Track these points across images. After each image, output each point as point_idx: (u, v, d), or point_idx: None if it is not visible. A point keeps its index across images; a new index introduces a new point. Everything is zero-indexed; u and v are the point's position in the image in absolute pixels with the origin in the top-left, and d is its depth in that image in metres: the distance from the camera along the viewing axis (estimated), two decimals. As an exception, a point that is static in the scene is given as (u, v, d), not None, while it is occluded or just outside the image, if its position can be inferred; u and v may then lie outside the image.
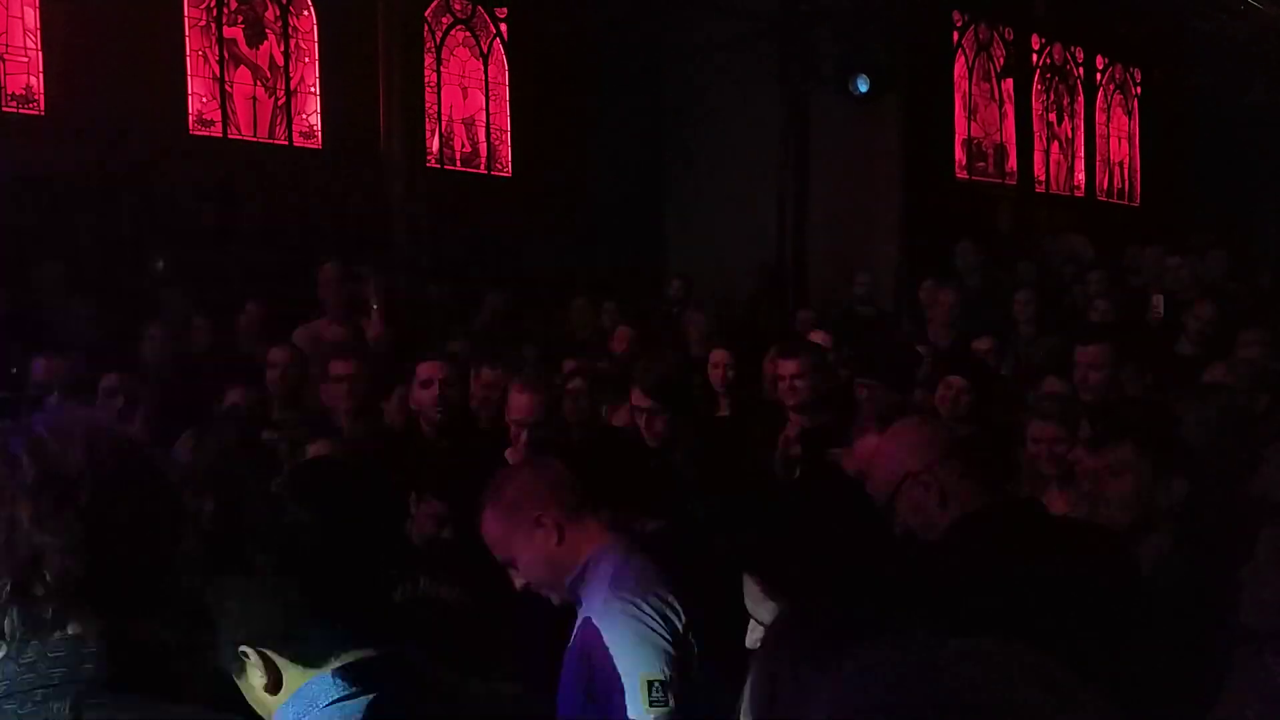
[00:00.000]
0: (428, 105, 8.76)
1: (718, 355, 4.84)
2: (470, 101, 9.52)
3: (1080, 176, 12.62)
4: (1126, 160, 13.27)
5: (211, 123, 7.99)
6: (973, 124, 11.17)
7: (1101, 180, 12.91)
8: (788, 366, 4.11)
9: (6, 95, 7.04)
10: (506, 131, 9.68)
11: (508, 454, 3.63)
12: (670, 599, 2.15)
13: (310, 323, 5.85)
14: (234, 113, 8.10)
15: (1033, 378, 4.75)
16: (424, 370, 3.91)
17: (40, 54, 7.13)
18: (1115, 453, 2.86)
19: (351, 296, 6.05)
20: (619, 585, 2.14)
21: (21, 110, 7.08)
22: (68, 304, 5.96)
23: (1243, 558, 2.30)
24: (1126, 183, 13.30)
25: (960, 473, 2.22)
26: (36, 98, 7.15)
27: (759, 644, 1.88)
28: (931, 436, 2.31)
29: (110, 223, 6.92)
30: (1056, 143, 12.26)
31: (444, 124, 9.26)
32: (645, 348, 5.94)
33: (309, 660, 1.33)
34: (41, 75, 7.14)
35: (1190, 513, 2.73)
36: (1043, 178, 11.98)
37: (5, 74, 7.02)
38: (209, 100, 7.98)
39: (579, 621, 2.18)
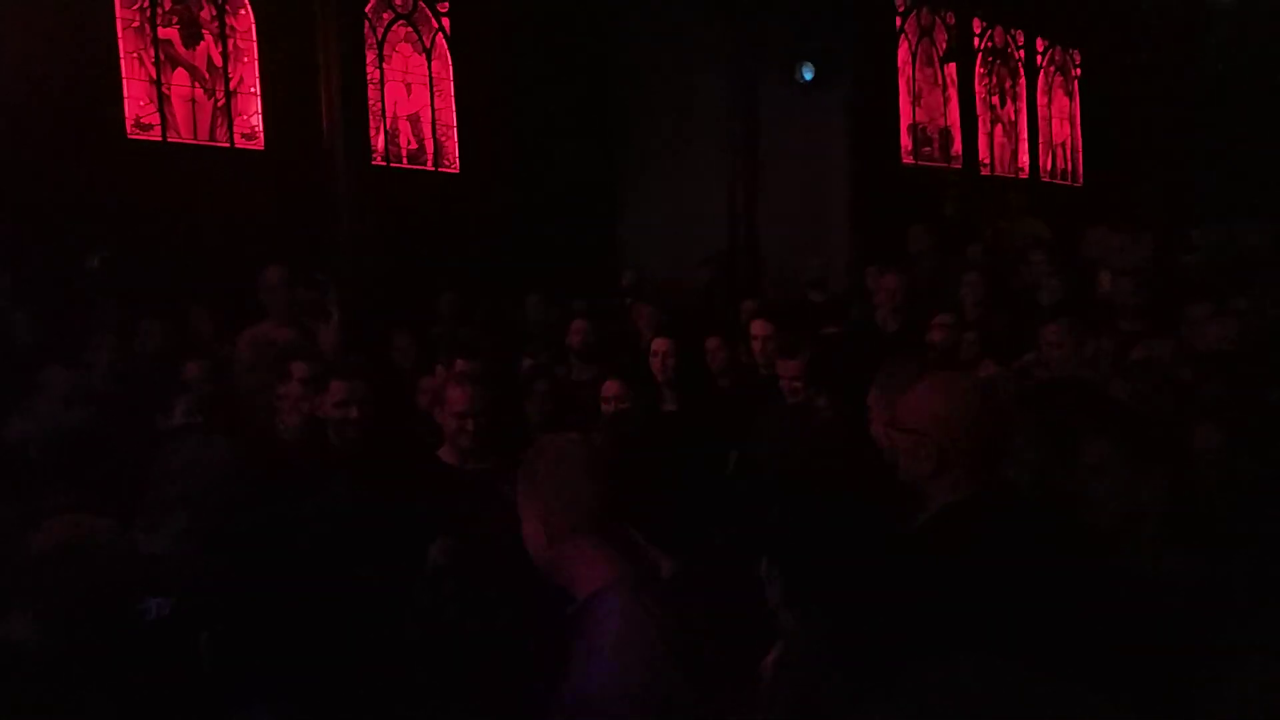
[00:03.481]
0: (371, 102, 8.63)
1: (658, 344, 4.91)
2: (415, 98, 9.40)
3: (1024, 158, 12.79)
4: (1068, 141, 13.47)
5: (150, 126, 7.81)
6: (917, 109, 11.26)
7: (1045, 162, 13.08)
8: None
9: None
10: (453, 127, 9.57)
11: (440, 454, 3.57)
12: (663, 679, 1.86)
13: (256, 326, 5.77)
14: (173, 115, 7.93)
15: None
16: (337, 390, 3.68)
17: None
18: (1092, 450, 2.85)
19: (297, 300, 5.96)
20: (614, 681, 1.81)
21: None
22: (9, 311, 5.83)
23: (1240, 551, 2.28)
24: (1069, 163, 13.51)
25: (973, 458, 2.17)
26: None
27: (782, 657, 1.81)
28: (966, 411, 2.21)
29: (49, 229, 6.74)
30: (1000, 125, 12.41)
31: (389, 121, 9.14)
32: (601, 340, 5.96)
33: None
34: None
35: (1177, 504, 2.73)
36: (988, 160, 12.12)
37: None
38: (146, 104, 7.80)
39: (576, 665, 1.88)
